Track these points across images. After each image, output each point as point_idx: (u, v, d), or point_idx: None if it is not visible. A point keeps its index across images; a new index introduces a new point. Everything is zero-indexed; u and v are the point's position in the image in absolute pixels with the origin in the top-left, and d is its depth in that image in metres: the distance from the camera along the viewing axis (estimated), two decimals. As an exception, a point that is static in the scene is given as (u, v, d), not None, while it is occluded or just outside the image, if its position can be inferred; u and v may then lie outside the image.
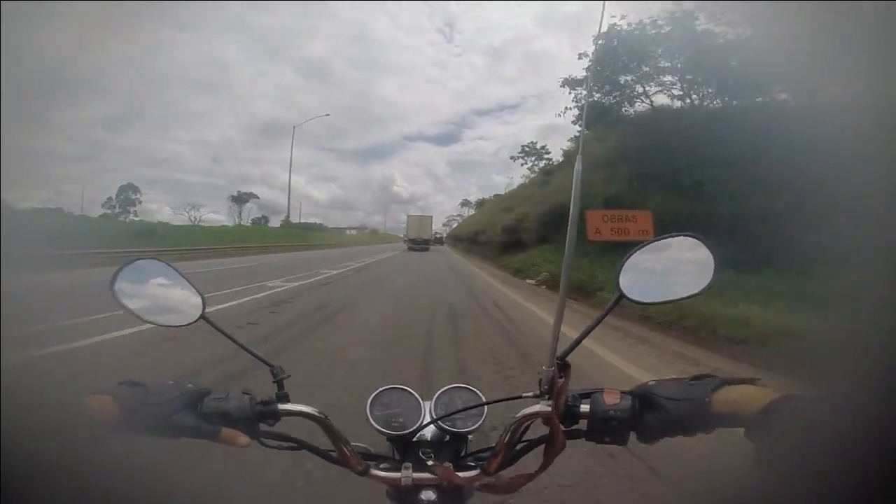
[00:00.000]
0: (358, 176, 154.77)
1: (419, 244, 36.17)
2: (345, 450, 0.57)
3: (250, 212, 62.03)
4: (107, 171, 77.18)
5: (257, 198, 63.74)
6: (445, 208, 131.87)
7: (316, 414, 0.56)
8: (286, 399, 0.57)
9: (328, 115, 69.06)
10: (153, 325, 0.59)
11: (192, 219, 48.74)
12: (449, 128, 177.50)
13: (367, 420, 0.61)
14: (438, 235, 58.22)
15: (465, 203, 78.58)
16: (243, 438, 0.52)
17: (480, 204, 60.64)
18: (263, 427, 0.55)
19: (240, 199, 64.57)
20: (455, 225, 72.20)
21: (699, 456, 0.68)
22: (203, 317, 0.59)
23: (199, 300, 0.59)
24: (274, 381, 0.58)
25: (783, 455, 0.36)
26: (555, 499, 1.77)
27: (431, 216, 43.15)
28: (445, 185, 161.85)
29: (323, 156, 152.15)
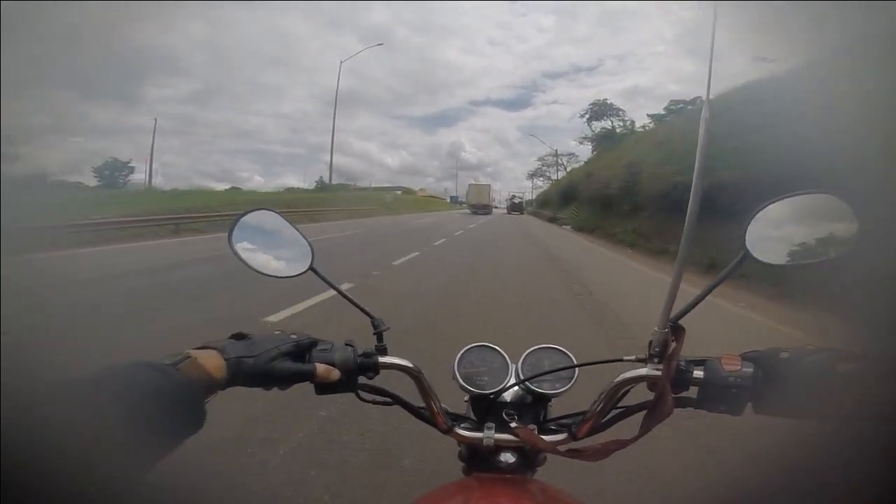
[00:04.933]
0: (427, 143, 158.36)
1: (479, 209, 42.31)
2: (434, 407, 0.57)
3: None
4: (199, 144, 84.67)
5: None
6: (516, 175, 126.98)
7: (412, 368, 0.57)
8: (385, 352, 0.57)
9: (381, 44, 64.30)
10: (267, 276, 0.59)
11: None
12: (519, 92, 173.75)
13: (455, 377, 0.60)
14: (517, 200, 49.02)
15: (595, 111, 32.35)
16: (335, 373, 0.52)
17: (609, 138, 28.81)
18: (361, 380, 0.56)
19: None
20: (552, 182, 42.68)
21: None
22: (312, 268, 0.59)
23: (308, 252, 0.60)
24: (374, 333, 0.58)
25: None
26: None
27: (489, 184, 49.22)
28: (517, 151, 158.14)
29: (392, 123, 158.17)
